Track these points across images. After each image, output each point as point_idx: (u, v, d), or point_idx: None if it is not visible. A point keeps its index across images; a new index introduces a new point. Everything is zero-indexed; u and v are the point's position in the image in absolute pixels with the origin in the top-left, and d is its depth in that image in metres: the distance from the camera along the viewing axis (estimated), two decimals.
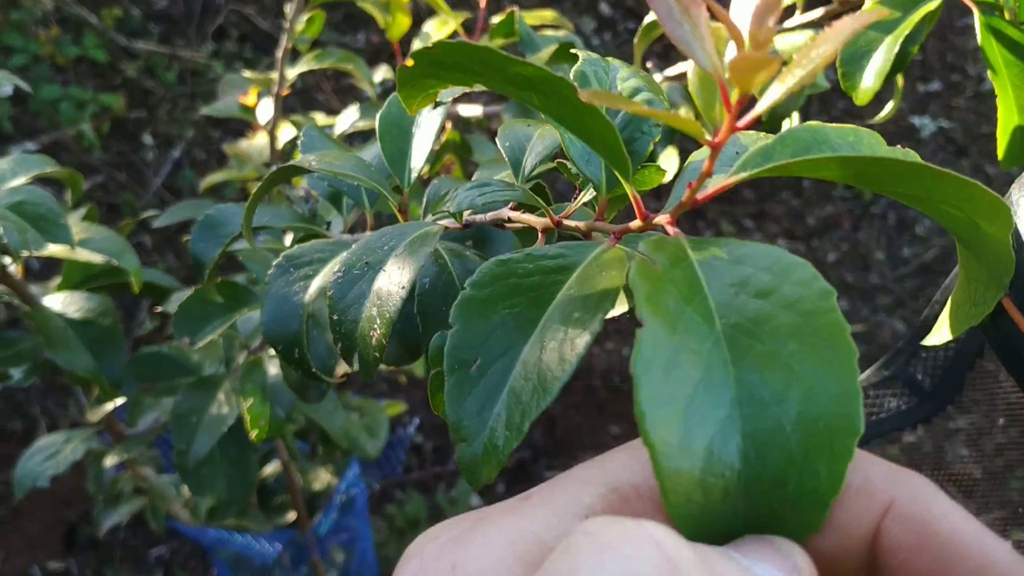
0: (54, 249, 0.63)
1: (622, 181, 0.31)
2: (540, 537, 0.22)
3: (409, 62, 0.30)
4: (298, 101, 2.19)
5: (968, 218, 0.27)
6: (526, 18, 0.80)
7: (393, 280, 0.37)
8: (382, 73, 0.90)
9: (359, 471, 1.18)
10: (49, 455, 0.82)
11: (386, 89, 2.00)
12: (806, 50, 0.25)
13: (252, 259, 0.68)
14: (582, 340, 0.26)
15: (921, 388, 0.52)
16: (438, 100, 0.37)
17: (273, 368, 0.71)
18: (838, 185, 2.39)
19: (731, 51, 0.27)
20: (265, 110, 0.91)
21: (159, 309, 0.74)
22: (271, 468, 1.10)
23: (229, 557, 1.09)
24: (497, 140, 0.44)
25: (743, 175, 0.29)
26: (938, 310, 0.50)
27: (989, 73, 0.53)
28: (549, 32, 0.77)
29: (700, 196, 0.30)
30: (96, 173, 2.05)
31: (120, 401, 0.74)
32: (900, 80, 0.62)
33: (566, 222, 0.37)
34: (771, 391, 0.22)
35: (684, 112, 0.69)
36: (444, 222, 0.44)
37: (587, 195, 0.39)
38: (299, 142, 0.57)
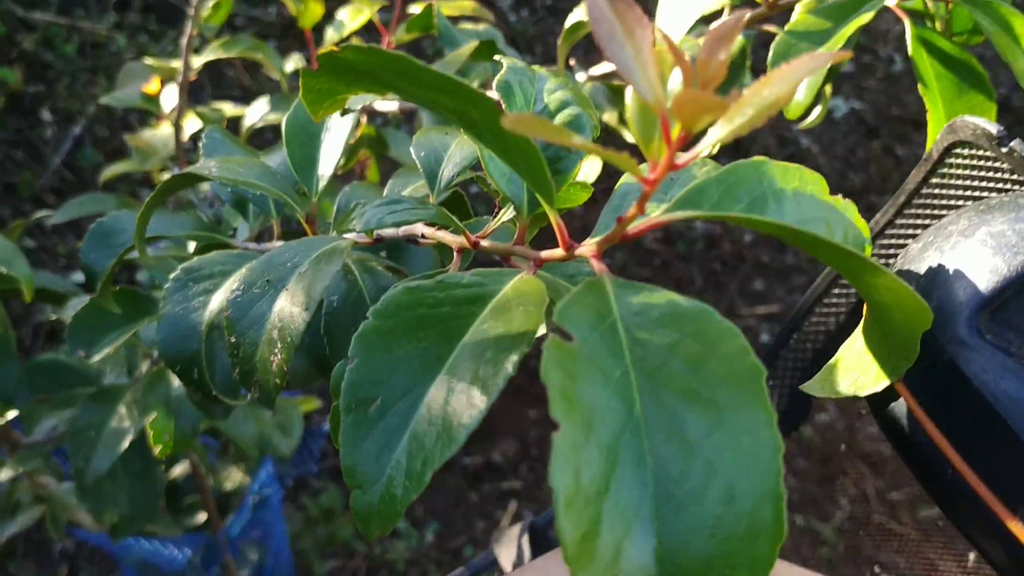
0: None
1: (545, 206, 0.29)
2: None
3: (314, 66, 0.27)
4: (207, 76, 2.11)
5: (889, 304, 0.25)
6: (444, 8, 0.77)
7: (296, 301, 0.34)
8: (294, 63, 0.86)
9: (273, 469, 1.14)
10: None
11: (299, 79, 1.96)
12: (757, 87, 0.22)
13: (154, 266, 0.65)
14: (494, 383, 0.24)
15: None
16: (347, 108, 0.34)
17: (178, 380, 0.68)
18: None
19: (675, 78, 0.24)
20: (169, 98, 0.87)
21: (54, 316, 0.70)
22: (180, 468, 1.06)
23: (136, 563, 1.05)
24: (411, 149, 0.41)
25: (680, 215, 0.27)
26: (808, 347, 0.50)
27: (920, 87, 0.52)
28: (468, 26, 0.74)
29: (631, 231, 0.28)
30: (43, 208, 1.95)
31: (13, 414, 0.70)
32: (828, 88, 0.61)
33: (484, 243, 0.35)
34: (690, 488, 0.20)
35: (608, 116, 0.67)
36: (354, 236, 0.41)
37: (507, 213, 0.37)
38: (201, 144, 0.54)
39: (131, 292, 0.59)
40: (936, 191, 0.37)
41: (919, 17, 0.54)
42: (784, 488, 0.20)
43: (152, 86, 0.86)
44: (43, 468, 0.81)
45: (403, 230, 0.40)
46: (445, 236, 0.37)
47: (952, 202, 0.36)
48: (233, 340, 0.36)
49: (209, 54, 0.82)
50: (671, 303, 0.24)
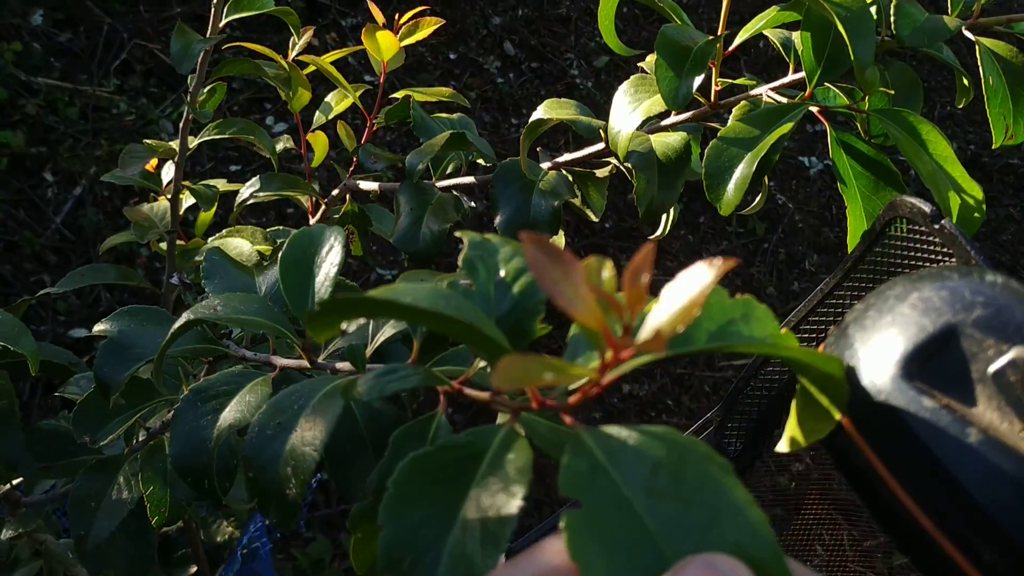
0: None
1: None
2: None
3: (317, 310, 0.32)
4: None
5: (815, 377, 0.32)
6: (422, 95, 0.84)
7: (306, 441, 0.39)
8: (283, 143, 0.92)
9: (262, 522, 1.18)
10: None
11: (297, 157, 2.01)
12: (672, 298, 0.28)
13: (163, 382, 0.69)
14: (502, 530, 0.28)
15: (727, 453, 0.60)
16: (343, 329, 0.40)
17: None
18: (733, 222, 2.48)
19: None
20: (167, 174, 0.93)
21: (57, 393, 0.74)
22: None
23: None
24: (392, 324, 0.47)
25: (645, 359, 0.31)
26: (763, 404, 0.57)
27: (839, 185, 0.57)
28: (443, 115, 0.80)
29: (594, 392, 0.32)
30: (45, 271, 2.01)
31: (16, 481, 0.74)
32: (766, 180, 0.67)
33: (466, 390, 0.39)
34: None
35: (576, 202, 0.73)
36: (348, 371, 0.46)
37: (482, 363, 0.41)
38: (202, 268, 0.59)
39: (134, 380, 0.64)
40: (878, 259, 0.44)
41: (840, 122, 0.60)
42: (777, 544, 0.25)
43: (151, 163, 0.92)
44: (43, 528, 0.86)
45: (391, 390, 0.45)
46: (433, 382, 0.42)
47: (891, 269, 0.43)
48: (252, 475, 0.40)
49: (205, 135, 0.88)
50: (641, 433, 0.28)
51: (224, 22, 0.81)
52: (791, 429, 0.38)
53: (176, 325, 0.46)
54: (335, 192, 0.89)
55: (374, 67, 0.88)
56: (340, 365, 0.47)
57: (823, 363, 0.32)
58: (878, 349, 0.34)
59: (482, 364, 0.41)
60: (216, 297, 0.48)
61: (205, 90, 0.88)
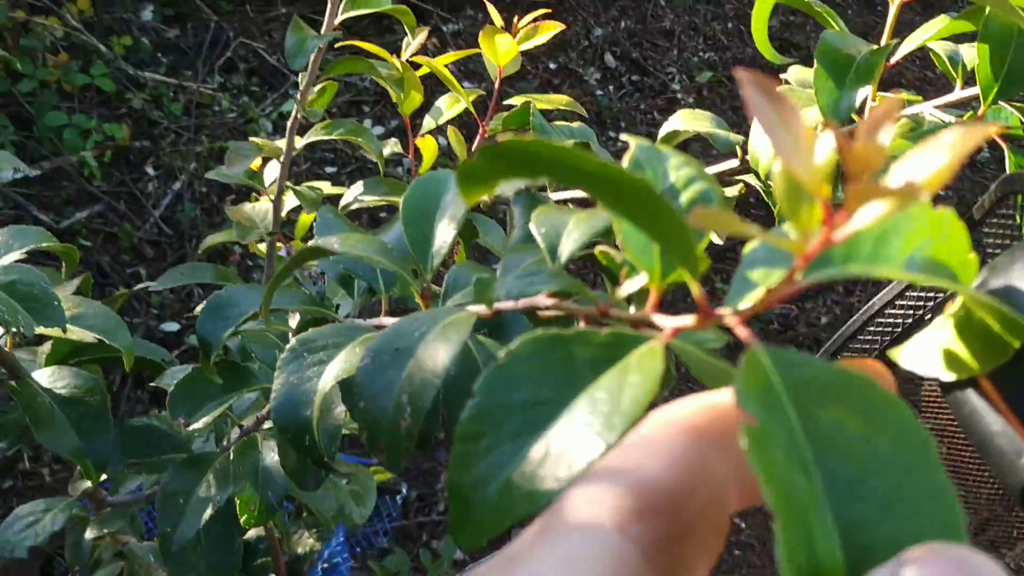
0: (45, 329, 0.61)
1: (690, 280, 0.29)
2: (585, 556, 0.22)
3: (474, 156, 0.28)
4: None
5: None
6: (539, 103, 0.80)
7: (426, 368, 0.36)
8: (390, 147, 0.89)
9: (343, 536, 1.16)
10: (29, 524, 0.80)
11: (395, 161, 2.00)
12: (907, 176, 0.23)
13: (253, 338, 0.67)
14: (594, 450, 0.24)
15: None
16: (496, 193, 0.36)
17: (267, 451, 0.70)
18: None
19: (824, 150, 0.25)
20: (271, 174, 0.90)
21: (152, 384, 0.72)
22: (254, 530, 1.08)
23: None
24: (532, 226, 0.43)
25: (827, 273, 0.28)
26: None
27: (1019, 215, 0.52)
28: (562, 123, 0.76)
29: (775, 299, 0.28)
30: (96, 202, 2.04)
31: (102, 479, 0.73)
32: None
33: (613, 311, 0.36)
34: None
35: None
36: (474, 308, 0.43)
37: (636, 284, 0.37)
38: (314, 224, 0.57)
39: (232, 364, 0.62)
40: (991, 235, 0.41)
41: (1019, 145, 0.54)
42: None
43: (255, 162, 0.89)
44: (127, 529, 0.84)
45: (523, 303, 0.41)
46: (571, 306, 0.38)
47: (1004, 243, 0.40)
48: (362, 405, 0.37)
49: (312, 136, 0.85)
50: (830, 373, 0.24)
51: (340, 19, 0.78)
52: (923, 351, 0.32)
53: (296, 254, 0.43)
54: None
55: (488, 72, 0.84)
56: (469, 308, 0.43)
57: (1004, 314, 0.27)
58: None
59: (624, 295, 0.36)
60: (330, 236, 0.45)
61: (315, 89, 0.85)
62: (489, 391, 0.26)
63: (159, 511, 0.66)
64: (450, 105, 0.87)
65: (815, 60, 0.52)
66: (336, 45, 0.87)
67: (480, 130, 0.84)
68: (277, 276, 0.45)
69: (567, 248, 0.42)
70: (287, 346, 0.47)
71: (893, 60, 0.57)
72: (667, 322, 0.31)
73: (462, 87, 0.87)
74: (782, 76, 0.64)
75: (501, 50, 0.81)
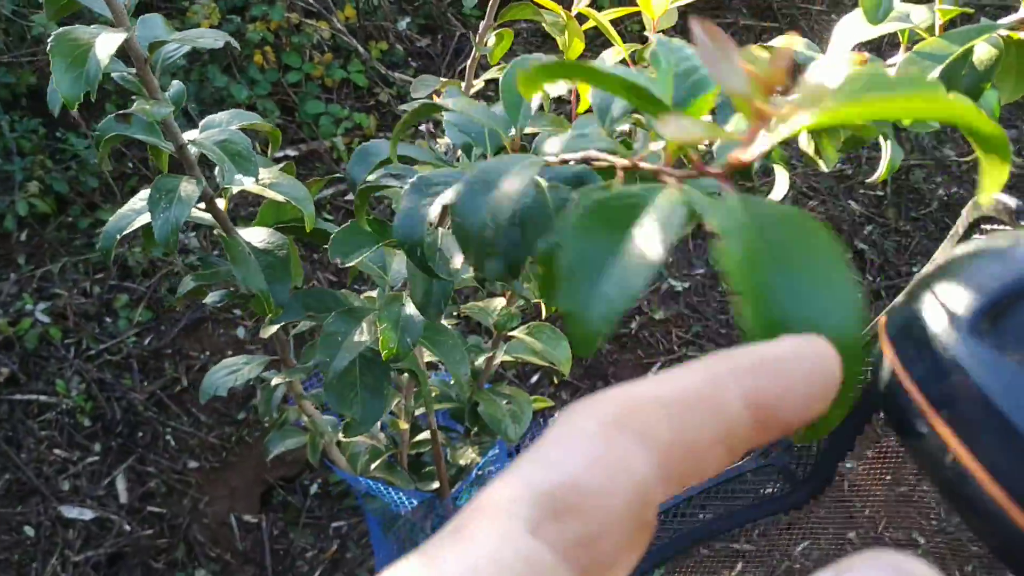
0: (248, 186, 0.78)
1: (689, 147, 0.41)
2: (493, 559, 0.23)
3: (531, 71, 0.40)
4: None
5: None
6: None
7: (503, 195, 0.48)
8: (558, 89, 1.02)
9: (501, 451, 1.28)
10: (231, 371, 0.98)
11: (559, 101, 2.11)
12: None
13: (394, 196, 0.82)
14: (654, 256, 0.34)
15: (795, 477, 0.55)
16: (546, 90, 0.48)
17: (408, 304, 0.83)
18: None
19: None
20: None
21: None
22: (426, 447, 1.22)
23: (378, 509, 1.22)
24: (589, 96, 0.56)
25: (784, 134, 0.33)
26: None
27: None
28: None
29: (745, 159, 0.36)
30: (341, 182, 2.30)
31: (282, 324, 0.89)
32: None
33: (642, 164, 0.46)
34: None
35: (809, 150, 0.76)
36: (547, 156, 0.55)
37: (658, 145, 0.48)
38: (441, 95, 0.70)
39: (379, 220, 0.76)
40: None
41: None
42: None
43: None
44: (309, 394, 1.01)
45: (581, 154, 0.53)
46: (613, 159, 0.50)
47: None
48: (458, 221, 0.49)
49: (489, 74, 1.00)
50: (779, 208, 0.33)
51: None
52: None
53: (415, 107, 0.56)
54: None
55: (646, 26, 0.95)
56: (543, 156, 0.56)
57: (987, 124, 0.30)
58: (946, 306, 0.32)
59: (653, 149, 0.47)
60: (448, 98, 0.59)
61: (493, 36, 1.00)
62: (572, 242, 0.36)
63: (320, 345, 0.81)
64: (614, 56, 0.99)
65: None
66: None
67: None
68: (401, 124, 0.58)
69: (615, 113, 0.54)
70: (410, 181, 0.60)
71: None
72: (677, 172, 0.41)
73: (627, 47, 0.98)
74: None
75: (656, 3, 0.92)
